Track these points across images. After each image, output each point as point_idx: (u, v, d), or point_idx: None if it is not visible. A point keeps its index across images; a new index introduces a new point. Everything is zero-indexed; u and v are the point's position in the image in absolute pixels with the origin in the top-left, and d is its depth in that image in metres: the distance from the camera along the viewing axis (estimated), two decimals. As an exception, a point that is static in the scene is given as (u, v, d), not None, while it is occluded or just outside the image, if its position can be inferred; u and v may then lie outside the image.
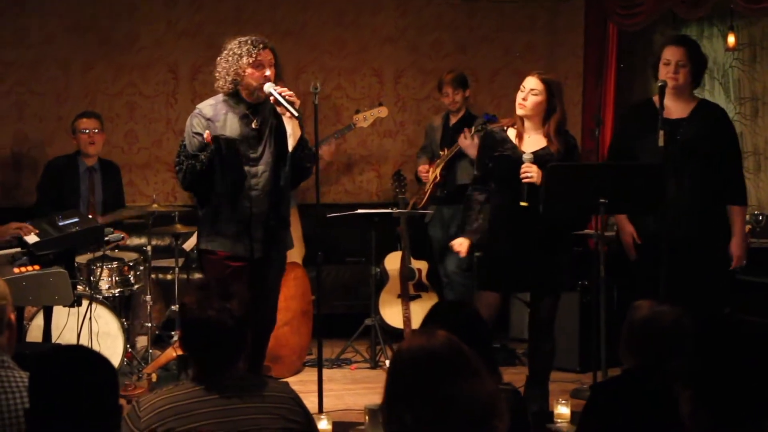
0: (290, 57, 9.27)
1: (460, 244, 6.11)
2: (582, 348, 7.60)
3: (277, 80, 5.80)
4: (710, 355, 2.67)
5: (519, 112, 5.97)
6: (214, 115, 5.80)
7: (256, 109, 5.81)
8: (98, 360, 2.77)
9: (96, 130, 7.96)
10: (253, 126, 5.79)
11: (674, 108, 6.12)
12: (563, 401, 5.63)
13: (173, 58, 9.22)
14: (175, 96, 9.22)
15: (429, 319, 3.96)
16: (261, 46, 5.73)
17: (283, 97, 5.62)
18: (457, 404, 2.61)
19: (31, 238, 5.99)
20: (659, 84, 6.11)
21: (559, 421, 5.51)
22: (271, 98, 5.67)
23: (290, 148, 5.75)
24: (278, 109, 5.69)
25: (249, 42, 5.74)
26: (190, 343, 3.51)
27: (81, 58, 9.05)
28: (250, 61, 5.70)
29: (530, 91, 5.93)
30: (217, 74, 5.82)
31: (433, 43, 9.58)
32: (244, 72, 5.72)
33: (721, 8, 8.26)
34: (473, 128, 7.96)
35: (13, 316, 3.37)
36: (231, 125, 5.80)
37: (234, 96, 5.81)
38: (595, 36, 9.18)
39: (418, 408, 2.62)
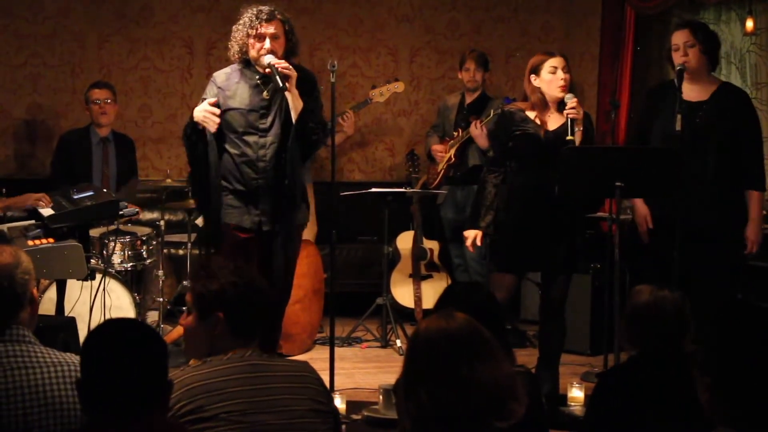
0: (306, 34, 9.23)
1: (476, 236, 6.08)
2: (593, 331, 7.60)
3: (290, 53, 5.80)
4: (729, 342, 2.67)
5: (560, 94, 5.90)
6: (226, 84, 5.85)
7: (268, 80, 5.78)
8: (151, 335, 2.79)
9: (108, 101, 7.94)
10: (264, 96, 5.78)
11: (693, 91, 6.11)
12: (577, 384, 5.64)
13: (188, 33, 9.20)
14: (190, 71, 9.21)
15: (443, 300, 3.95)
16: (265, 17, 5.71)
17: (276, 69, 5.60)
18: (474, 387, 2.61)
19: (46, 211, 5.98)
20: (677, 68, 6.09)
21: (572, 404, 5.53)
22: (267, 70, 5.67)
23: (293, 120, 5.74)
24: (273, 78, 5.67)
25: (254, 12, 5.74)
26: (238, 313, 3.47)
27: (96, 31, 9.04)
28: (251, 32, 5.72)
29: (562, 68, 5.91)
30: (229, 43, 5.87)
31: (449, 23, 9.55)
32: (246, 43, 5.75)
33: (739, -8, 8.24)
34: (483, 118, 7.97)
35: (35, 291, 3.37)
36: (241, 95, 5.82)
37: (247, 65, 5.83)
38: (612, 18, 9.15)
39: (436, 390, 2.62)
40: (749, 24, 8.19)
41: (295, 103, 5.70)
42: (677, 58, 6.12)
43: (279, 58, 5.68)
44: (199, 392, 3.31)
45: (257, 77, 5.79)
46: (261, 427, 3.33)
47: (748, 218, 6.14)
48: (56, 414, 3.15)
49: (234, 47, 5.81)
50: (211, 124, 5.68)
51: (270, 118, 5.80)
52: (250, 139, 5.80)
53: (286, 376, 3.47)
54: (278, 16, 5.77)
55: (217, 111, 5.70)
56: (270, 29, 5.72)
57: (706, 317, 2.68)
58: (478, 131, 7.97)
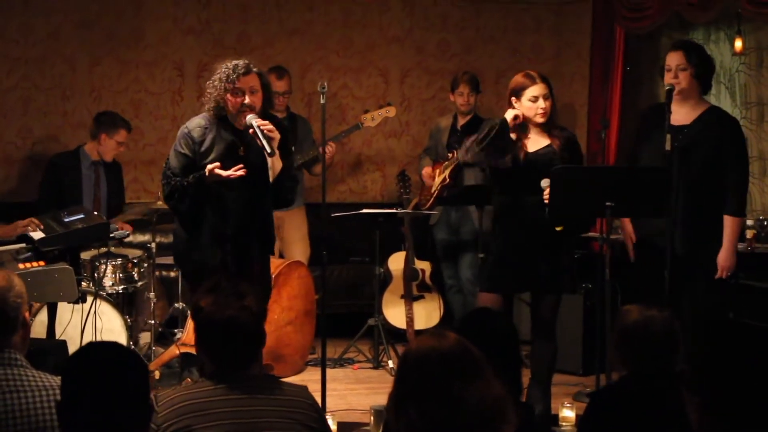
0: (296, 55, 9.27)
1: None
2: (585, 351, 7.60)
3: (267, 105, 5.74)
4: (717, 362, 2.67)
5: (541, 120, 5.94)
6: (201, 139, 5.69)
7: (244, 136, 5.68)
8: (132, 357, 2.80)
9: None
10: (240, 153, 5.67)
11: (678, 113, 6.10)
12: (568, 405, 5.64)
13: (179, 56, 9.20)
14: (180, 93, 9.21)
15: (464, 324, 3.95)
16: (242, 71, 5.59)
17: (262, 131, 5.50)
18: (464, 406, 2.61)
19: (37, 234, 5.98)
20: (666, 88, 6.11)
21: (564, 424, 5.53)
22: (251, 130, 5.55)
23: (270, 179, 5.71)
24: (257, 141, 5.57)
25: (231, 67, 5.61)
26: (211, 344, 3.52)
27: (87, 54, 9.03)
28: (229, 87, 5.59)
29: (543, 96, 5.93)
30: (204, 98, 5.77)
31: (439, 44, 9.58)
32: (223, 99, 5.62)
33: (728, 12, 8.25)
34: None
35: (27, 315, 3.37)
36: (217, 150, 5.66)
37: (223, 119, 5.71)
38: (601, 38, 9.18)
39: (426, 408, 2.62)
40: (738, 44, 8.22)
41: (275, 164, 5.65)
42: (668, 79, 6.13)
43: (258, 113, 5.61)
44: (186, 412, 3.34)
45: (233, 134, 5.69)
46: (246, 450, 3.34)
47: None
48: (47, 438, 3.16)
49: (210, 104, 5.68)
50: (240, 173, 5.54)
51: (245, 173, 5.70)
52: (223, 192, 5.67)
53: (276, 400, 3.49)
54: (254, 69, 5.66)
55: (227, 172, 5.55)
56: (248, 83, 5.61)
57: (693, 335, 2.72)
58: None
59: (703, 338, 2.77)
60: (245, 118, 5.60)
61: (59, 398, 3.16)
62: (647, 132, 6.24)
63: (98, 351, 2.82)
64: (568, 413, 5.57)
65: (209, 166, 5.52)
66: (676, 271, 5.96)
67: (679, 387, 3.54)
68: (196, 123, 5.76)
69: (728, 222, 6.13)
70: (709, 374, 2.65)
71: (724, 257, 6.10)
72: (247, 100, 5.61)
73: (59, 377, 3.26)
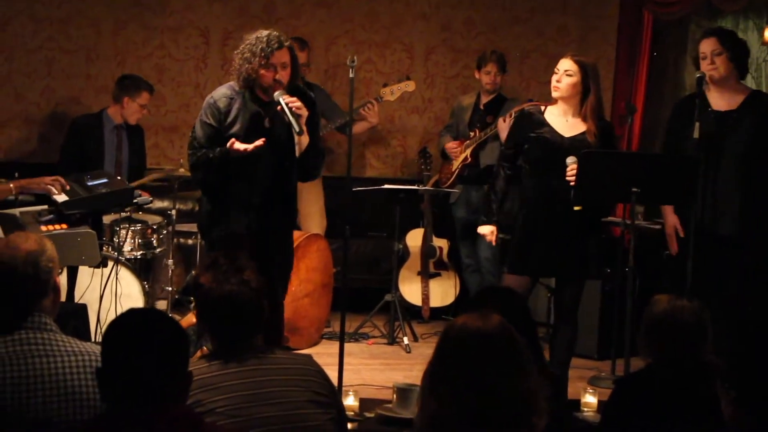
0: (322, 28, 9.24)
1: (491, 233, 6.09)
2: (601, 335, 7.57)
3: (294, 78, 5.72)
4: (755, 357, 2.66)
5: (554, 94, 5.93)
6: (227, 110, 5.70)
7: (269, 107, 5.70)
8: (173, 327, 2.79)
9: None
10: (265, 125, 5.69)
11: (722, 100, 6.10)
12: (590, 390, 5.62)
13: (205, 23, 9.17)
14: (204, 61, 9.18)
15: (477, 302, 3.93)
16: (276, 46, 5.57)
17: (290, 109, 5.51)
18: (497, 396, 2.60)
19: (61, 197, 5.97)
20: (697, 76, 6.09)
21: (586, 409, 5.51)
22: (278, 107, 5.56)
23: (297, 154, 5.71)
24: (285, 118, 5.58)
25: (264, 41, 5.58)
26: (211, 320, 3.54)
27: (112, 17, 9.01)
28: (263, 62, 5.57)
29: (564, 72, 5.89)
30: (232, 68, 5.75)
31: (465, 22, 9.52)
32: (256, 73, 5.61)
33: (758, 2, 8.21)
34: (513, 113, 7.91)
35: (58, 279, 3.36)
36: (242, 121, 5.69)
37: (249, 91, 5.70)
38: (629, 23, 9.12)
39: (458, 390, 2.61)
40: (767, 34, 8.18)
41: (301, 140, 5.67)
42: (704, 67, 6.10)
43: (286, 88, 5.61)
44: (196, 387, 3.32)
45: (259, 105, 5.70)
46: (259, 420, 3.37)
47: None
48: (75, 404, 3.15)
49: (240, 75, 5.66)
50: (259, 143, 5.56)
51: (269, 147, 5.69)
52: (250, 162, 5.68)
53: (285, 369, 3.51)
54: (286, 44, 5.64)
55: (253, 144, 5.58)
56: (281, 59, 5.60)
57: (727, 327, 2.71)
58: (506, 125, 7.84)
59: (741, 332, 2.75)
60: (274, 92, 5.60)
61: (88, 364, 3.19)
62: (684, 122, 6.18)
63: (140, 318, 2.81)
64: (590, 399, 5.55)
65: (229, 143, 5.54)
66: (725, 262, 5.96)
67: (707, 377, 3.54)
68: (221, 93, 5.77)
69: None
70: (747, 369, 2.64)
71: None
72: (278, 75, 5.60)
73: (88, 343, 3.30)
